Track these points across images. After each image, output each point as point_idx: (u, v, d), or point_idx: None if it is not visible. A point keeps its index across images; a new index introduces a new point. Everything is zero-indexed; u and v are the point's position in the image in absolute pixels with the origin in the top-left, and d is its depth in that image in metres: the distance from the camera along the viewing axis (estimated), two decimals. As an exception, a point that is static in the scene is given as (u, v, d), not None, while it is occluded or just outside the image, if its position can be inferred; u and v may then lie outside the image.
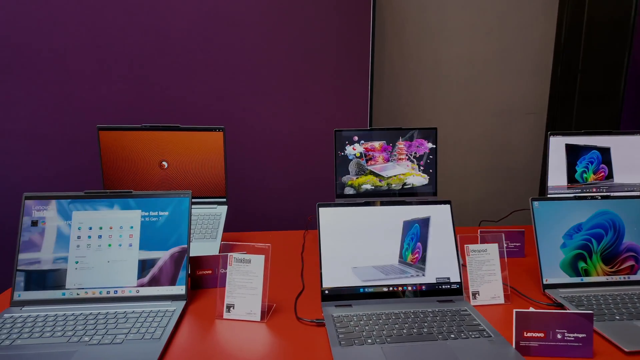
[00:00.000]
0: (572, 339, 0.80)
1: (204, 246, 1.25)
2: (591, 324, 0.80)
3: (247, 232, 1.49)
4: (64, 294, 0.97)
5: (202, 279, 1.10)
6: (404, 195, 1.40)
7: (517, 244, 1.30)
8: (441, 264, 1.01)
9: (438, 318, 0.91)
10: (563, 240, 1.07)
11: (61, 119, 1.74)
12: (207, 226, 1.31)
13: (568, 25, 2.53)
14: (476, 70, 2.42)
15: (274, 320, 0.95)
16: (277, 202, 1.91)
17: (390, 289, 0.99)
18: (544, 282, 1.05)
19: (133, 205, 1.03)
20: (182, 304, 0.98)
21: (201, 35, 1.76)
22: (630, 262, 1.07)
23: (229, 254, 0.97)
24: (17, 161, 1.76)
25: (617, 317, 0.92)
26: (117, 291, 0.98)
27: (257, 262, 0.96)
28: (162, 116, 1.76)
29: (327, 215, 1.03)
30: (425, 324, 0.89)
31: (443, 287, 1.00)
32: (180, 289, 1.00)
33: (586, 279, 1.06)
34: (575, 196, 1.09)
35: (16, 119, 1.72)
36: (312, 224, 1.57)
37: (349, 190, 1.41)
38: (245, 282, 0.95)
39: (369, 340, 0.83)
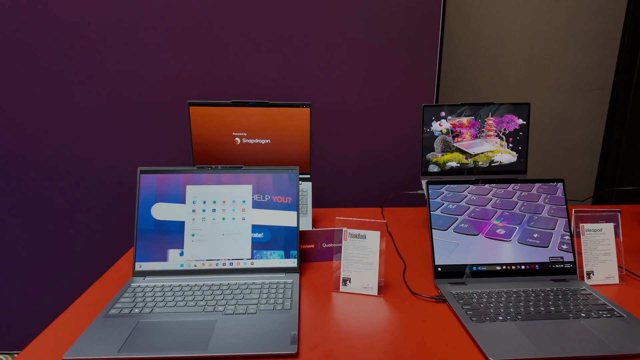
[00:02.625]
0: None
1: (297, 221, 1.26)
2: None
3: (330, 209, 1.50)
4: (182, 265, 1.00)
5: (305, 253, 1.12)
6: (491, 173, 1.38)
7: (615, 224, 1.27)
8: (553, 243, 1.00)
9: (560, 297, 0.91)
10: (678, 221, 1.04)
11: (140, 93, 1.75)
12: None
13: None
14: (539, 42, 2.32)
15: (389, 295, 0.96)
16: (356, 181, 1.91)
17: (504, 267, 0.98)
18: (658, 263, 1.03)
19: (244, 178, 1.03)
20: (297, 276, 1.00)
21: (275, 13, 1.72)
22: None
23: (344, 229, 0.98)
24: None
25: None
26: (232, 263, 1.01)
27: (373, 237, 0.96)
28: (239, 93, 1.76)
29: (436, 193, 1.02)
30: (550, 303, 0.88)
31: (557, 266, 0.99)
32: (292, 262, 1.02)
33: (702, 261, 1.03)
34: (694, 176, 1.05)
35: (93, 93, 1.75)
36: (391, 202, 1.57)
37: (433, 168, 1.39)
38: (361, 257, 0.96)
39: (500, 318, 0.83)
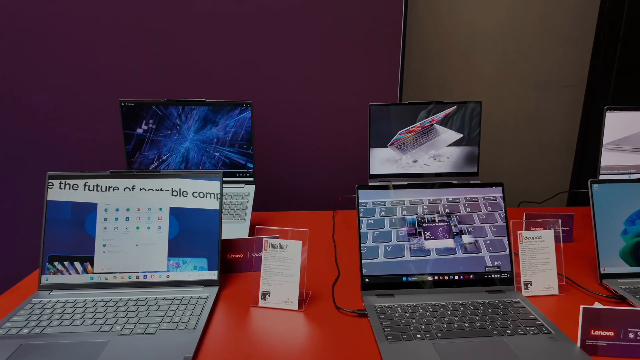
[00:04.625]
0: (646, 339, 0.73)
1: (232, 228, 1.20)
2: (669, 323, 0.72)
3: (275, 212, 1.43)
4: (92, 279, 0.93)
5: (233, 263, 1.05)
6: (442, 175, 1.31)
7: (565, 229, 1.21)
8: (491, 251, 0.94)
9: (490, 310, 0.85)
10: (624, 226, 0.98)
11: (84, 92, 1.67)
12: (235, 206, 1.26)
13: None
14: (513, 38, 2.26)
15: (311, 309, 0.90)
16: (305, 181, 1.84)
17: (436, 277, 0.92)
18: (602, 272, 0.97)
19: (162, 184, 0.97)
20: (215, 289, 0.93)
21: (225, 6, 1.64)
22: (699, 252, 0.98)
23: (264, 237, 0.91)
24: (39, 138, 1.71)
25: (690, 313, 0.84)
26: (146, 276, 0.94)
27: (294, 248, 0.89)
28: (186, 89, 1.68)
29: (367, 199, 0.95)
30: (477, 317, 0.82)
31: (493, 276, 0.93)
32: (212, 274, 0.95)
33: (648, 269, 0.98)
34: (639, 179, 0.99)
35: (37, 93, 1.67)
36: (341, 205, 1.50)
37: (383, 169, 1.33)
38: (282, 268, 0.90)
39: (418, 335, 0.77)
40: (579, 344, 0.74)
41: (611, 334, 0.73)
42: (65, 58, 1.63)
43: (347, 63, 1.73)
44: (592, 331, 0.74)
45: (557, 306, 0.90)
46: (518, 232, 0.95)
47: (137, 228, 0.95)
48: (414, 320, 0.81)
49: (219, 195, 0.97)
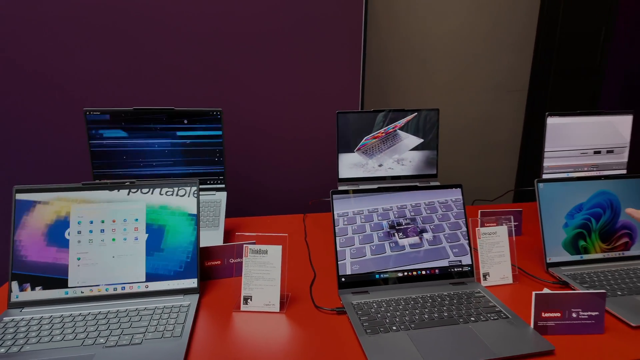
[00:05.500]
0: (586, 317, 0.84)
1: (206, 235, 1.21)
2: (604, 302, 0.84)
3: (248, 217, 1.45)
4: (66, 293, 0.91)
5: (211, 270, 1.07)
6: (405, 177, 1.40)
7: (516, 224, 1.34)
8: (453, 247, 1.03)
9: (455, 301, 0.93)
10: (565, 220, 1.11)
11: (49, 100, 1.60)
12: (207, 214, 1.27)
13: (548, 3, 2.56)
14: (464, 45, 2.42)
15: (292, 310, 0.94)
16: (276, 186, 1.87)
17: (405, 273, 1.00)
18: (548, 261, 1.09)
19: (137, 195, 0.97)
20: (196, 297, 0.95)
21: (191, 14, 1.64)
22: (625, 239, 1.13)
23: (244, 244, 0.94)
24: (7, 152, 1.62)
25: (619, 293, 0.97)
26: (124, 287, 0.94)
27: (275, 252, 0.93)
28: (154, 97, 1.66)
29: (341, 202, 1.01)
30: (444, 308, 0.90)
31: (455, 269, 1.02)
32: (192, 282, 0.97)
33: (585, 257, 1.11)
34: (577, 177, 1.13)
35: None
36: (312, 208, 1.55)
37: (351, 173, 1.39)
38: (263, 273, 0.93)
39: (394, 328, 0.84)
40: (532, 325, 0.84)
41: (558, 314, 0.84)
42: (31, 66, 1.55)
43: (312, 71, 1.79)
44: (543, 313, 0.84)
45: (512, 293, 1.01)
46: (476, 229, 1.04)
47: (113, 240, 0.95)
48: (389, 314, 0.88)
49: (195, 204, 0.99)
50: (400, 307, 0.91)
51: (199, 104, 1.71)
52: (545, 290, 0.86)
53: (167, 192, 0.98)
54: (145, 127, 1.26)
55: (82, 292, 0.92)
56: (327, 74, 1.81)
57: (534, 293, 0.84)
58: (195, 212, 0.99)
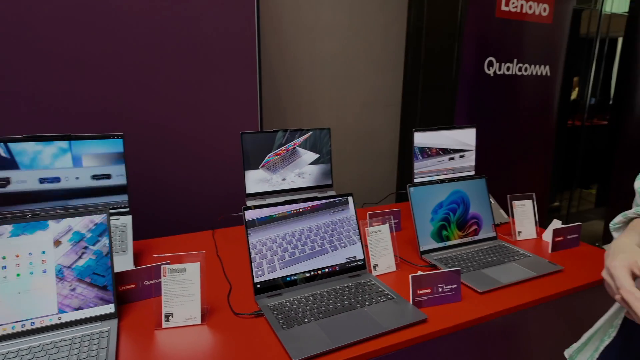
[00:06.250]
0: (448, 290, 1.10)
1: (115, 261, 1.21)
2: (459, 277, 1.11)
3: (156, 239, 1.47)
4: (-35, 338, 0.86)
5: (127, 294, 1.09)
6: (306, 189, 1.58)
7: (396, 221, 1.61)
8: (349, 246, 1.22)
9: (353, 291, 1.12)
10: (431, 215, 1.40)
11: None
12: (114, 239, 1.27)
13: (413, 28, 3.02)
14: (346, 67, 2.72)
15: (213, 320, 1.03)
16: (182, 206, 1.89)
17: (311, 273, 1.16)
18: (421, 250, 1.36)
19: (43, 226, 0.95)
20: (115, 322, 0.97)
21: (85, 38, 1.58)
22: (475, 227, 1.46)
23: (162, 265, 1.00)
24: None
25: (471, 268, 1.27)
26: (34, 322, 0.92)
27: (193, 269, 1.01)
28: (52, 124, 1.55)
29: (252, 216, 1.13)
30: (345, 297, 1.09)
31: (351, 264, 1.22)
32: (109, 308, 0.98)
33: (448, 243, 1.41)
34: (438, 180, 1.42)
35: None
36: (221, 224, 1.63)
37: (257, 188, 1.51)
38: (182, 290, 1.00)
39: (306, 320, 0.99)
40: (411, 302, 1.07)
41: (429, 290, 1.08)
42: None
43: (213, 94, 1.86)
44: (418, 291, 1.08)
45: (396, 278, 1.24)
46: (365, 228, 1.26)
47: (18, 275, 0.92)
48: (300, 309, 1.03)
49: (107, 231, 1.01)
50: (310, 302, 1.06)
51: (99, 127, 1.66)
52: (419, 273, 1.10)
53: (76, 220, 0.98)
54: (39, 157, 1.21)
55: (-17, 335, 0.88)
56: (227, 95, 1.90)
57: (410, 276, 1.07)
58: (107, 239, 1.01)
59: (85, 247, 0.98)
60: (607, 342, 0.80)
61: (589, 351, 0.86)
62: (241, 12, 1.87)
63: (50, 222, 0.96)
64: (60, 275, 0.95)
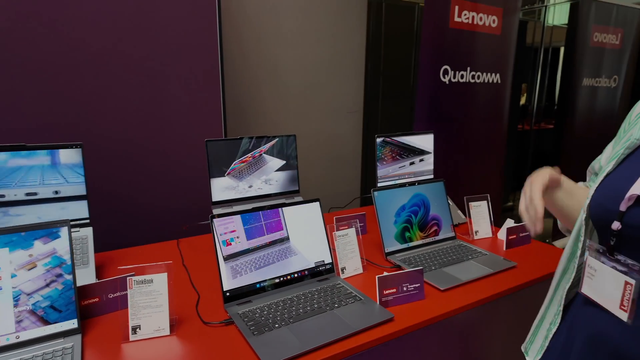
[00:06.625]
0: (412, 288, 1.15)
1: (77, 274, 1.17)
2: (422, 276, 1.17)
3: (119, 250, 1.43)
4: None
5: (88, 309, 1.06)
6: (273, 195, 1.59)
7: (361, 224, 1.66)
8: (317, 250, 1.25)
9: (322, 294, 1.15)
10: (395, 218, 1.45)
11: None
12: (75, 252, 1.22)
13: (372, 37, 3.12)
14: (310, 74, 2.76)
15: (182, 331, 1.02)
16: (145, 216, 1.84)
17: (281, 279, 1.17)
18: (386, 251, 1.41)
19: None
20: (78, 337, 0.94)
21: (46, 47, 1.51)
22: (435, 228, 1.53)
23: (127, 276, 0.98)
24: None
25: (433, 268, 1.33)
26: (-11, 344, 0.87)
27: (160, 280, 1.00)
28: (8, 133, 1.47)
29: (220, 224, 1.13)
30: (314, 301, 1.11)
31: (320, 268, 1.24)
32: (72, 323, 0.95)
33: (411, 244, 1.47)
34: (400, 184, 1.48)
35: None
36: (186, 233, 1.61)
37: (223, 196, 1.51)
38: (150, 301, 0.98)
39: (276, 325, 1.00)
40: (378, 302, 1.11)
41: (394, 290, 1.13)
42: None
43: (176, 102, 1.83)
44: (384, 291, 1.12)
45: (363, 280, 1.28)
46: (333, 233, 1.29)
47: (-30, 295, 0.87)
48: (271, 315, 1.04)
49: (67, 244, 0.98)
50: (280, 307, 1.08)
51: (57, 138, 1.59)
52: (385, 274, 1.14)
53: (35, 235, 0.94)
54: (-12, 167, 1.15)
55: None
56: (190, 103, 1.88)
57: (377, 277, 1.11)
58: (69, 252, 0.97)
59: (59, 275, 0.95)
60: (554, 329, 0.87)
61: (539, 341, 0.93)
62: (203, 20, 1.86)
63: (6, 237, 0.92)
64: (17, 291, 0.91)
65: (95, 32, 1.64)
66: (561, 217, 0.90)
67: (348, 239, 1.31)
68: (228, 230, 1.13)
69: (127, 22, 1.69)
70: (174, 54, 1.81)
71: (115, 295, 1.09)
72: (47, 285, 0.94)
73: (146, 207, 1.85)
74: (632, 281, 0.68)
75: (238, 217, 1.15)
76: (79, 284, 1.06)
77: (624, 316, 0.69)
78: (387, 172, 1.79)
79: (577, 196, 0.86)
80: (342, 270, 1.29)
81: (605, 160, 0.85)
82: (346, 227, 1.32)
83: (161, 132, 1.84)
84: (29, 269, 0.93)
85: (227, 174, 1.48)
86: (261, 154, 1.53)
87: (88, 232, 1.30)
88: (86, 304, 1.05)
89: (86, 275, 1.19)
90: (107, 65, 1.68)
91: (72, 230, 1.28)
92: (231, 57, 2.41)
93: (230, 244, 1.12)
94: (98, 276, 1.23)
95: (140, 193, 1.83)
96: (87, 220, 1.31)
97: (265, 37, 2.52)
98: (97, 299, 1.07)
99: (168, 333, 0.99)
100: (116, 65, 1.69)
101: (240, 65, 2.47)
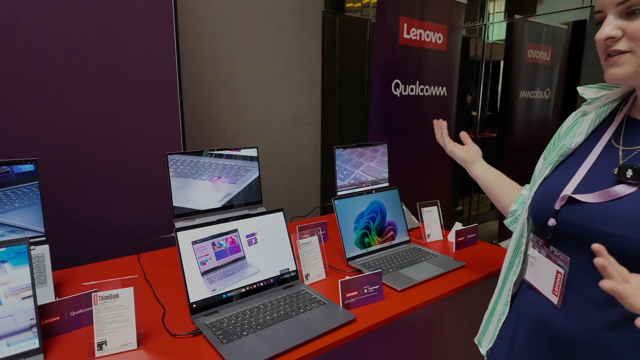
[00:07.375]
0: (372, 290, 1.23)
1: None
2: (381, 278, 1.24)
3: (77, 267, 1.39)
4: None
5: (49, 328, 1.03)
6: (236, 206, 1.61)
7: (323, 232, 1.72)
8: (281, 258, 1.29)
9: (287, 300, 1.19)
10: (354, 224, 1.53)
11: None
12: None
13: (327, 50, 3.23)
14: (267, 85, 2.81)
15: (150, 344, 1.02)
16: (103, 231, 1.78)
17: (247, 288, 1.21)
18: (347, 257, 1.48)
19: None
20: (40, 358, 0.92)
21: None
22: (391, 233, 1.63)
23: (92, 292, 0.97)
24: None
25: (391, 270, 1.42)
26: (-57, 371, 0.84)
27: (126, 295, 1.00)
28: None
29: (185, 237, 1.15)
30: (280, 307, 1.15)
31: (285, 276, 1.29)
32: (32, 344, 0.93)
33: (370, 249, 1.55)
34: (358, 192, 1.57)
35: None
36: (147, 247, 1.59)
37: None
38: (116, 316, 0.98)
39: (245, 333, 1.03)
40: (341, 305, 1.17)
41: (356, 293, 1.20)
42: None
43: (133, 114, 1.81)
44: (347, 294, 1.18)
45: (327, 285, 1.34)
46: (296, 241, 1.34)
47: None
48: (238, 324, 1.07)
49: (27, 264, 0.96)
50: (247, 315, 1.11)
51: (10, 152, 1.53)
52: (347, 278, 1.21)
53: (-10, 255, 0.92)
54: None
55: None
56: (148, 115, 1.86)
57: (339, 281, 1.18)
58: (29, 272, 0.95)
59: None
60: (503, 319, 0.98)
61: (491, 331, 1.03)
62: (159, 31, 1.86)
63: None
64: (-27, 315, 0.88)
65: (48, 41, 1.60)
66: (492, 197, 1.17)
67: (311, 246, 1.37)
68: (203, 254, 1.15)
69: (82, 33, 1.67)
70: (131, 65, 1.80)
71: (77, 312, 1.07)
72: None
73: (104, 222, 1.80)
74: (562, 270, 0.79)
75: (206, 229, 1.18)
76: (39, 302, 1.04)
77: (555, 300, 0.80)
78: (350, 179, 1.88)
79: (505, 185, 1.14)
80: (306, 276, 1.34)
81: (538, 171, 0.97)
82: (309, 235, 1.38)
83: (118, 145, 1.81)
84: (-14, 290, 0.90)
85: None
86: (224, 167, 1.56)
87: (44, 250, 1.26)
88: (47, 323, 1.03)
89: (45, 294, 1.16)
90: (61, 76, 1.64)
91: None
92: (187, 69, 2.41)
93: (206, 264, 1.15)
94: (57, 294, 1.20)
95: (97, 207, 1.78)
96: (44, 238, 1.27)
97: (222, 48, 2.55)
98: (58, 318, 1.05)
99: (135, 347, 0.99)
100: (70, 76, 1.66)
101: (197, 77, 2.47)
